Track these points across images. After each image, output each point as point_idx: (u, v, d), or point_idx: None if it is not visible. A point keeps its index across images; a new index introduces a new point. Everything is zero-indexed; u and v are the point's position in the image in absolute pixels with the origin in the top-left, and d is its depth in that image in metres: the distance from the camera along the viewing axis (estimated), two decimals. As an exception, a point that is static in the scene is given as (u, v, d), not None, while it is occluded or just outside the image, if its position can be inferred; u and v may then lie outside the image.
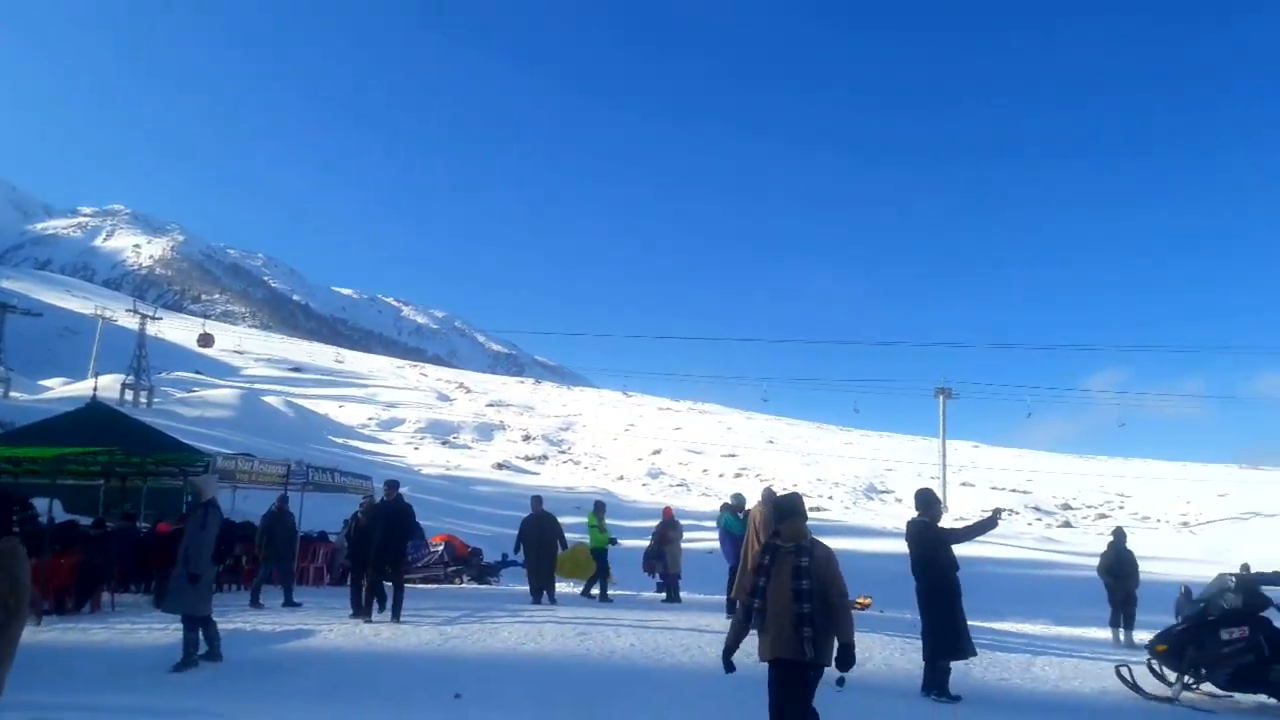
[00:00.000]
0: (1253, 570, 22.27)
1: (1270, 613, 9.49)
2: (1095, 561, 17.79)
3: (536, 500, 17.48)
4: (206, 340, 73.06)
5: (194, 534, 9.39)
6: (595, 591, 17.25)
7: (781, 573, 5.53)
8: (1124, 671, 9.84)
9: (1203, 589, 10.31)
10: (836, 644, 5.44)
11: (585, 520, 18.25)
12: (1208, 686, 9.52)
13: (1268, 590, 9.67)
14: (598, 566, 17.39)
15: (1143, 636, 18.72)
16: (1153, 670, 9.80)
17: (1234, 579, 9.82)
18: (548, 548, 16.50)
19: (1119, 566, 16.39)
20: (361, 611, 12.79)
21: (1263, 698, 9.28)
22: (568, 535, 17.31)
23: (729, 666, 5.73)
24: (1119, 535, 17.46)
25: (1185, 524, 58.74)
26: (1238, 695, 9.39)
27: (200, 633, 9.23)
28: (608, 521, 18.18)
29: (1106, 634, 16.17)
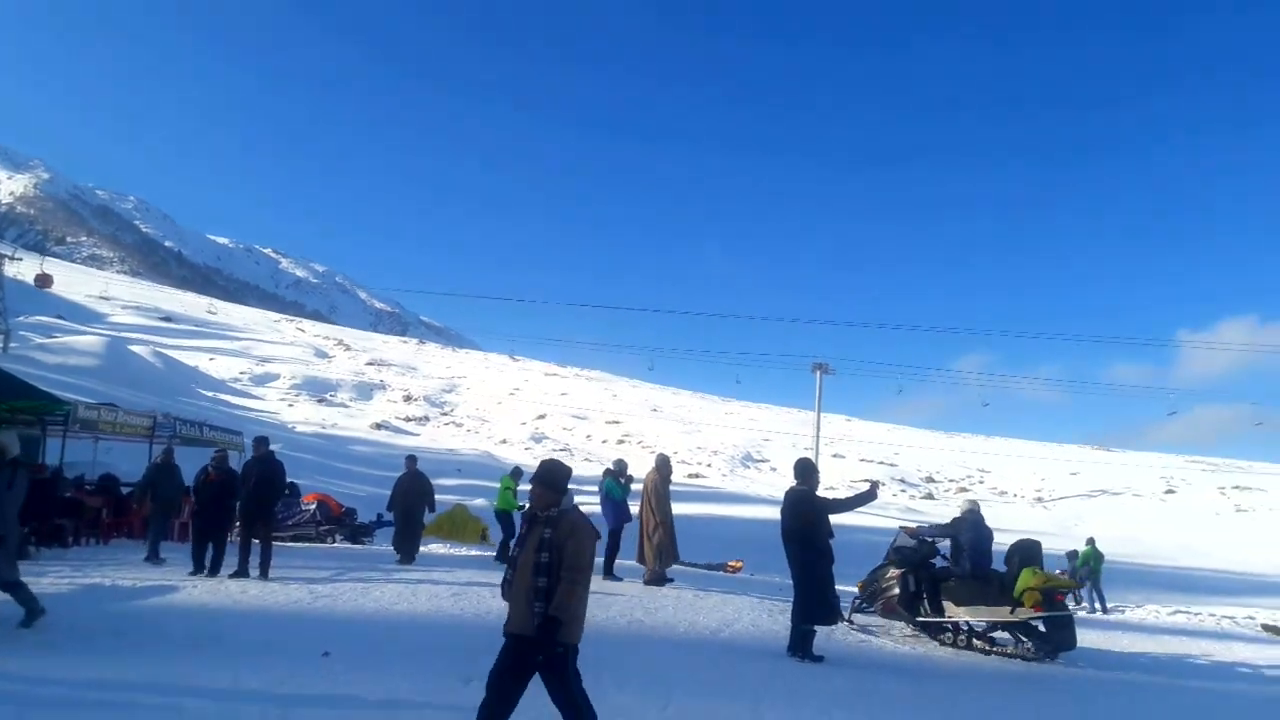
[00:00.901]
0: (1097, 544, 23.97)
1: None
2: (953, 532, 18.62)
3: (410, 460, 17.31)
4: (44, 280, 68.88)
5: None
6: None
7: (530, 544, 5.23)
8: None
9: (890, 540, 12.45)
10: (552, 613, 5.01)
11: (498, 483, 18.19)
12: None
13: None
14: (506, 530, 17.37)
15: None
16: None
17: (906, 532, 12.06)
18: (411, 509, 16.37)
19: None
20: (200, 569, 12.46)
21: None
22: (448, 497, 17.23)
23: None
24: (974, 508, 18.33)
25: (1039, 499, 61.94)
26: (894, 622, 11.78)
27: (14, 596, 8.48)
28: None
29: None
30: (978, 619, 10.72)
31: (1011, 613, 10.28)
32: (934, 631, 11.15)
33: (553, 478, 5.39)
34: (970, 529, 11.38)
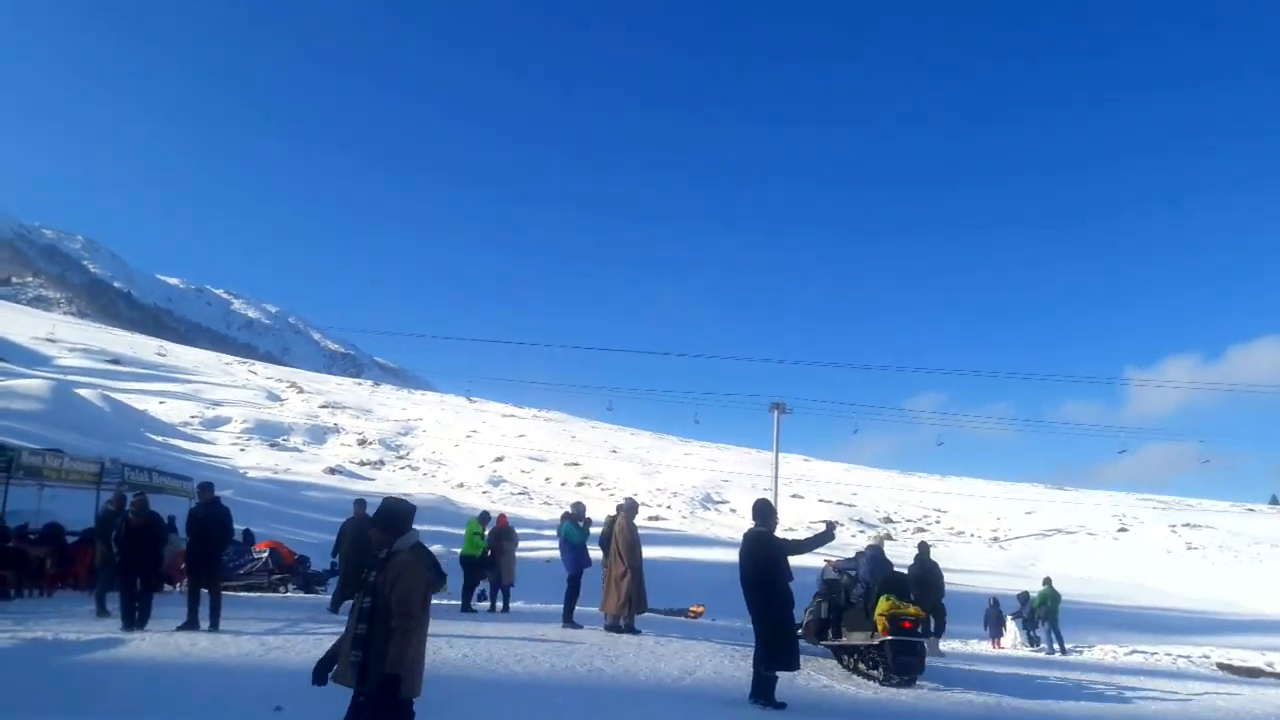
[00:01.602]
0: (1053, 583, 24.11)
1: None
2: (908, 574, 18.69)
3: (359, 504, 16.95)
4: None
5: None
6: (481, 604, 17.28)
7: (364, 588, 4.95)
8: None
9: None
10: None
11: (456, 529, 18.05)
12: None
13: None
14: (471, 577, 17.25)
15: (951, 645, 19.86)
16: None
17: (830, 566, 13.34)
18: (361, 555, 16.02)
19: (925, 576, 17.20)
20: (132, 624, 11.82)
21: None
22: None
23: (315, 678, 5.04)
24: (923, 548, 18.39)
25: (996, 539, 62.49)
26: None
27: None
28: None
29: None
30: (855, 643, 11.79)
31: (870, 638, 11.22)
32: (836, 653, 12.44)
33: (386, 516, 5.06)
34: (867, 563, 12.55)
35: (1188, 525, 65.20)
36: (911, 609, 11.34)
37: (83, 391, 50.18)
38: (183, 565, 14.29)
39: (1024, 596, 24.63)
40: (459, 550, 17.93)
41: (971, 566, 45.11)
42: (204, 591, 12.42)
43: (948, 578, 18.52)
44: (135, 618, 12.01)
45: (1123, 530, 64.10)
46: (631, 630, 13.56)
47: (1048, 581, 24.13)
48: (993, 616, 24.61)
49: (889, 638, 10.89)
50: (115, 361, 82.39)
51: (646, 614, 15.01)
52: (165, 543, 13.11)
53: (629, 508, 14.43)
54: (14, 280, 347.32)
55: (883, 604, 11.16)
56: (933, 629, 16.94)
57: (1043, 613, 23.18)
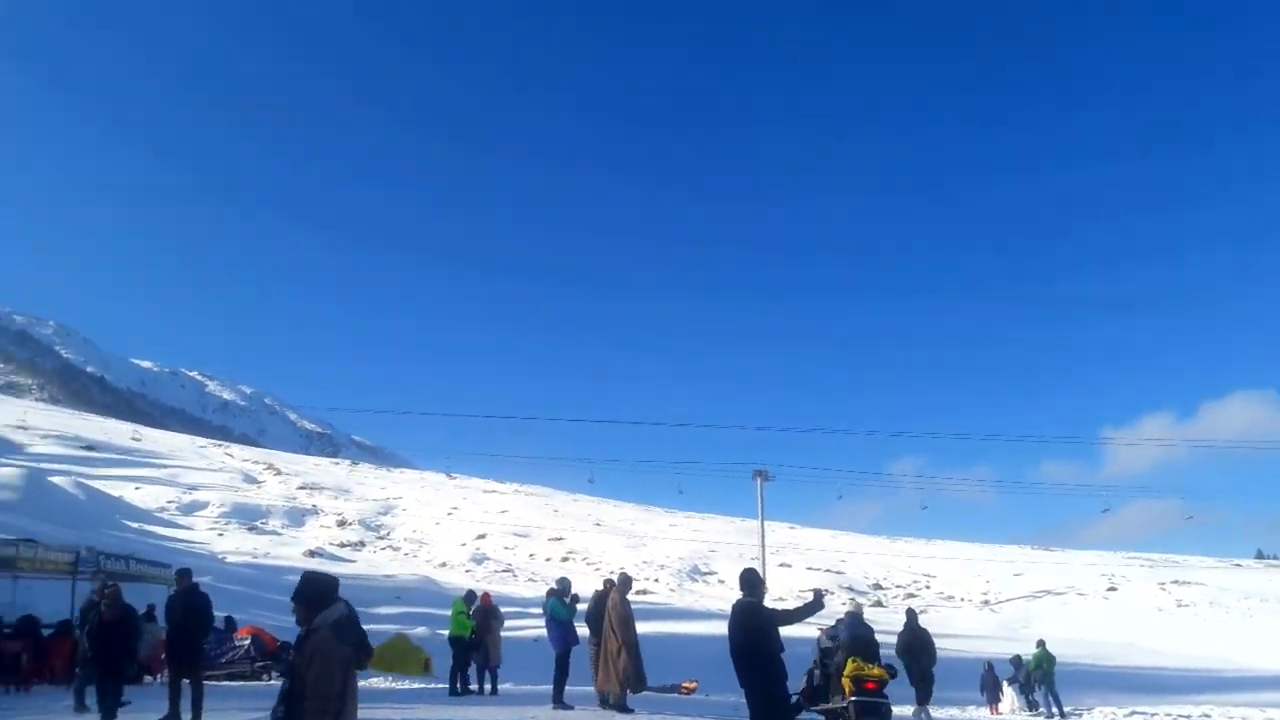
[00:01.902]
0: (1047, 645, 23.84)
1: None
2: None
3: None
4: None
5: None
6: (474, 686, 17.00)
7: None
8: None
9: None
10: None
11: (440, 610, 17.77)
12: None
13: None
14: (459, 657, 17.01)
15: (949, 713, 19.57)
16: None
17: (824, 635, 13.65)
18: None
19: (914, 643, 17.03)
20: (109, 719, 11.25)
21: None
22: (387, 626, 16.65)
23: None
24: (911, 615, 18.22)
25: (986, 602, 61.95)
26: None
27: None
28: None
29: (908, 710, 16.55)
30: (834, 707, 12.03)
31: (842, 700, 11.53)
32: (828, 718, 12.51)
33: (304, 590, 4.86)
34: (847, 628, 12.96)
35: (1176, 582, 65.03)
36: (875, 670, 11.58)
37: (56, 479, 49.38)
38: (162, 655, 13.92)
39: (1017, 660, 24.33)
40: (446, 632, 17.64)
41: (964, 631, 44.69)
42: (185, 682, 12.09)
43: (940, 643, 18.32)
44: (115, 713, 11.64)
45: (1112, 589, 63.78)
46: (624, 709, 13.28)
47: (1041, 644, 23.87)
48: (989, 681, 24.28)
49: (853, 699, 11.21)
50: (89, 448, 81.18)
51: (643, 693, 14.70)
52: (139, 636, 12.85)
53: (623, 582, 14.23)
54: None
55: (849, 666, 11.50)
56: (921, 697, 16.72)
57: (1039, 675, 22.89)
